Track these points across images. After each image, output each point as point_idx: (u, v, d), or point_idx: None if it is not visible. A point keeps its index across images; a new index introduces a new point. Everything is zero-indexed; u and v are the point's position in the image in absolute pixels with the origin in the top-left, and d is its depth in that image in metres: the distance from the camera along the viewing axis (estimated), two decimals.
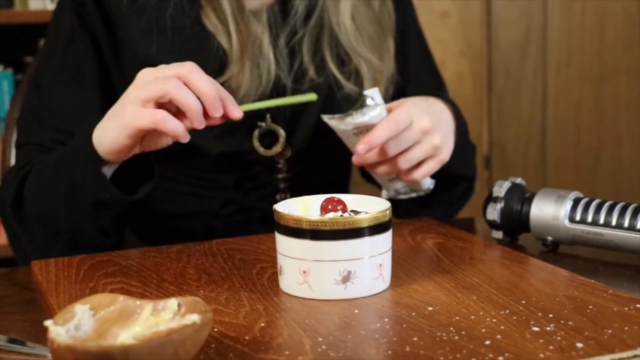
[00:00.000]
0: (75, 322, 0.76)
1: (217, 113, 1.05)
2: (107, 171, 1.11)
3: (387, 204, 0.97)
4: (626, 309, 0.88)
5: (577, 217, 1.11)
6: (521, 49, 2.55)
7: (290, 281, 0.95)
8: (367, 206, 0.99)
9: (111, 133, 1.07)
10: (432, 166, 1.21)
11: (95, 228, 1.16)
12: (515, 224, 1.17)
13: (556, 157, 2.62)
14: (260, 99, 1.26)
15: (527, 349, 0.78)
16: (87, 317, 0.77)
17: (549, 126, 2.60)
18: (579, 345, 0.79)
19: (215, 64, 1.25)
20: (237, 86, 1.25)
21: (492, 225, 1.19)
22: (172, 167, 1.31)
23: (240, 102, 1.25)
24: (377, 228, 0.94)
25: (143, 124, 1.03)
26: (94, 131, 1.10)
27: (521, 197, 1.17)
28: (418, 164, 1.20)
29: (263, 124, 1.29)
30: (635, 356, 0.77)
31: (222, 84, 1.24)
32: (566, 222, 1.12)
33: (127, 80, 1.26)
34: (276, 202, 1.29)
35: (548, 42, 2.56)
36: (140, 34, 1.26)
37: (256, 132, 1.29)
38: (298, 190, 1.32)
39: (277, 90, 1.29)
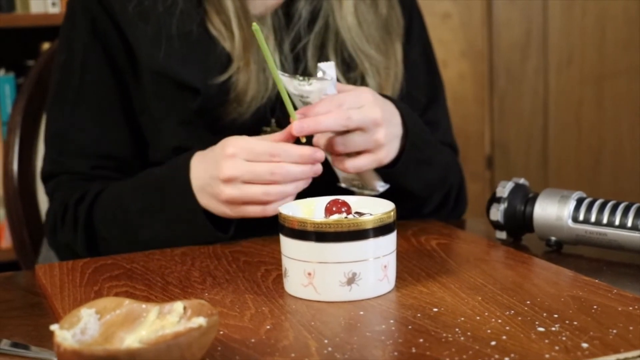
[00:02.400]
0: (81, 326, 0.76)
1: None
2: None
3: (392, 205, 0.97)
4: (630, 308, 0.88)
5: (581, 217, 1.11)
6: (522, 50, 2.55)
7: (295, 283, 0.95)
8: (372, 208, 0.99)
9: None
10: (367, 162, 1.14)
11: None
12: (519, 224, 1.17)
13: (557, 157, 2.62)
14: (267, 103, 1.26)
15: (532, 350, 0.78)
16: (93, 321, 0.77)
17: (550, 126, 2.61)
18: (584, 345, 0.79)
19: (219, 69, 1.25)
20: (243, 89, 1.24)
21: (496, 225, 1.19)
22: None
23: (248, 105, 1.25)
24: (381, 229, 0.94)
25: (229, 216, 1.12)
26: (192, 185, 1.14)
27: (524, 197, 1.17)
28: (355, 154, 1.15)
29: (268, 129, 1.29)
30: None
31: (226, 83, 1.24)
32: (569, 222, 1.12)
33: (142, 89, 1.28)
34: None
35: (549, 43, 2.57)
36: (147, 40, 1.25)
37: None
38: (304, 194, 1.31)
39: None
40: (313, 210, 1.01)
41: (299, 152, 1.07)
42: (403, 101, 1.33)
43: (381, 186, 1.22)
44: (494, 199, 1.18)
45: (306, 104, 1.14)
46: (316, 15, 1.31)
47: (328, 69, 1.14)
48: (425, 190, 1.30)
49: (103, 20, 1.28)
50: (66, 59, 1.31)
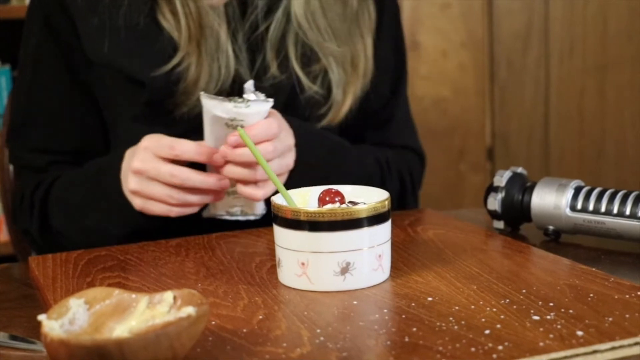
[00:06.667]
0: (70, 317, 0.75)
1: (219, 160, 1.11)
2: None
3: (386, 195, 0.96)
4: (627, 296, 0.87)
5: (579, 206, 1.10)
6: (523, 40, 2.54)
7: (289, 273, 0.94)
8: (366, 197, 0.98)
9: None
10: (273, 187, 1.14)
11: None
12: (517, 213, 1.16)
13: (559, 147, 2.61)
14: (220, 94, 1.21)
15: (527, 338, 0.77)
16: (82, 311, 0.76)
17: (552, 117, 2.59)
18: (580, 333, 0.78)
19: (165, 60, 1.22)
20: (192, 80, 1.22)
21: (493, 215, 1.18)
22: None
23: (198, 98, 1.20)
24: (375, 219, 0.93)
25: (139, 207, 1.15)
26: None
27: (522, 186, 1.16)
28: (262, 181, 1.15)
29: None
30: (636, 343, 0.76)
31: (173, 74, 1.22)
32: (567, 211, 1.11)
33: (100, 85, 1.27)
34: None
35: (550, 33, 2.55)
36: (93, 33, 1.24)
37: None
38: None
39: (239, 86, 1.24)
40: (307, 200, 1.00)
41: (197, 148, 1.10)
42: (368, 97, 1.32)
43: (264, 209, 1.20)
44: (492, 189, 1.18)
45: (235, 127, 1.10)
46: (274, 5, 1.27)
47: (253, 87, 1.12)
48: None
49: (57, 15, 1.26)
50: (22, 52, 1.31)
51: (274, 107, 1.15)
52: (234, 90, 1.24)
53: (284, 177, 1.16)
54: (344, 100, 1.29)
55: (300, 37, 1.27)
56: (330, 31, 1.28)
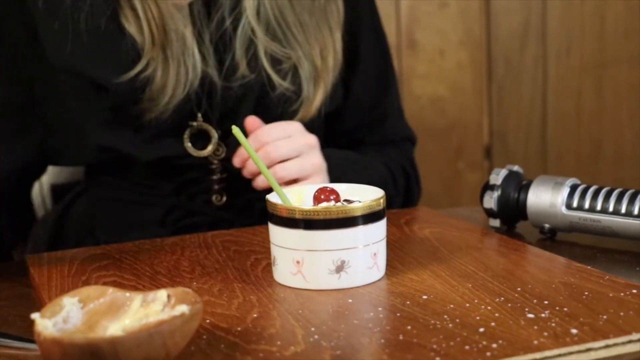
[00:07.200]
0: (64, 315, 0.75)
1: None
2: None
3: (381, 193, 0.96)
4: (622, 294, 0.87)
5: (574, 204, 1.10)
6: (521, 38, 2.53)
7: (284, 272, 0.94)
8: (361, 195, 0.98)
9: None
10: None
11: None
12: (513, 211, 1.16)
13: (557, 146, 2.61)
14: (189, 98, 1.21)
15: (521, 336, 0.77)
16: (75, 310, 0.76)
17: (549, 115, 2.59)
18: (574, 331, 0.78)
19: (129, 65, 1.19)
20: (159, 85, 1.19)
21: (489, 213, 1.18)
22: (111, 176, 1.27)
23: (167, 102, 1.20)
24: (370, 217, 0.93)
25: None
26: None
27: (518, 184, 1.16)
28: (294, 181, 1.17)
29: (194, 124, 1.24)
30: (630, 341, 0.76)
31: (138, 80, 1.19)
32: (563, 209, 1.11)
33: (59, 90, 1.23)
34: (213, 204, 1.27)
35: (548, 31, 2.55)
36: (54, 37, 1.20)
37: (187, 133, 1.24)
38: (235, 191, 1.28)
39: (209, 88, 1.23)
40: (302, 198, 1.00)
41: None
42: (348, 100, 1.33)
43: None
44: (488, 187, 1.17)
45: None
46: (239, 2, 1.24)
47: None
48: None
49: (14, 20, 1.22)
50: None
51: (244, 108, 1.21)
52: (203, 92, 1.23)
53: (317, 178, 1.19)
54: (315, 95, 1.27)
55: (269, 35, 1.24)
56: (302, 28, 1.26)
